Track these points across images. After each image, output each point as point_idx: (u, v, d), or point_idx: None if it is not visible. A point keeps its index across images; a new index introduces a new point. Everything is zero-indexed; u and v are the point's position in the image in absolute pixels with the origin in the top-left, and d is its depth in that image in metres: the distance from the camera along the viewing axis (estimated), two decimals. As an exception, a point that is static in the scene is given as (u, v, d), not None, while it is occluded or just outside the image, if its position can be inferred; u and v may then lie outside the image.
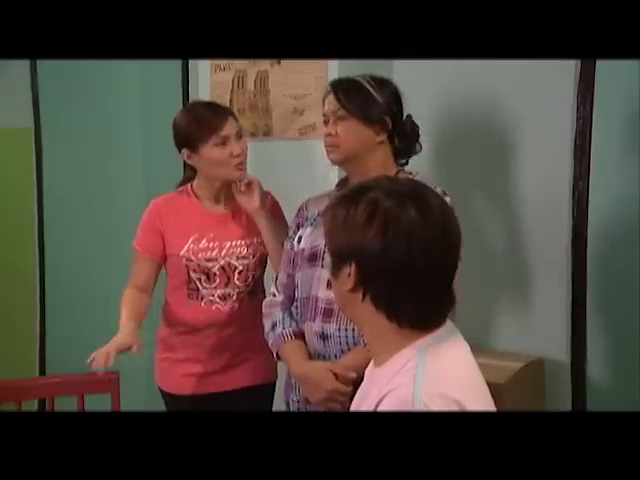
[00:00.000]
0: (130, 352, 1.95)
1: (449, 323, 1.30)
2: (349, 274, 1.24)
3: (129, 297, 2.16)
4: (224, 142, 2.10)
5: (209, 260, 2.15)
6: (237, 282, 2.17)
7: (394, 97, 1.93)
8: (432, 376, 1.18)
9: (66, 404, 2.07)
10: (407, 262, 1.20)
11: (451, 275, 1.27)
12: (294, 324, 1.97)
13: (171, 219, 2.19)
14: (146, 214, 2.22)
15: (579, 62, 2.29)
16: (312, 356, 1.91)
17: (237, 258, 2.16)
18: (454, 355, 1.25)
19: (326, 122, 1.93)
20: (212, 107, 2.17)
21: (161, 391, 2.29)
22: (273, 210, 2.22)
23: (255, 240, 2.18)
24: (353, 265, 1.23)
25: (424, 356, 1.21)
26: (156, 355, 2.29)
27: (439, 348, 1.23)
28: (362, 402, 1.32)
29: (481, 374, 1.28)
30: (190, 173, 2.24)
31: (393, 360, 1.25)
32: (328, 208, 1.32)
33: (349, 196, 1.27)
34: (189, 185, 2.23)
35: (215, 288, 2.17)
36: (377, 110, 1.88)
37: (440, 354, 1.23)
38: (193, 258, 2.15)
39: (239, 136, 2.13)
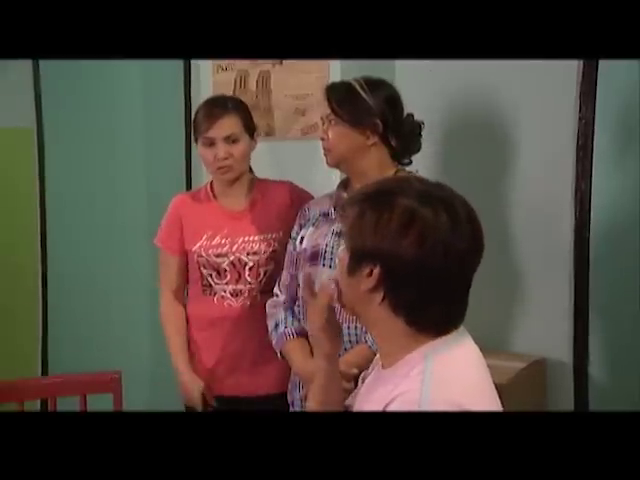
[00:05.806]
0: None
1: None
2: (370, 274, 1.22)
3: (173, 322, 2.24)
4: (209, 144, 2.11)
5: (218, 256, 2.16)
6: (248, 278, 2.16)
7: (388, 99, 1.93)
8: (439, 383, 1.17)
9: (68, 404, 2.07)
10: (441, 271, 1.19)
11: (472, 277, 1.26)
12: (296, 323, 1.98)
13: (189, 216, 2.22)
14: (167, 210, 2.25)
15: (581, 62, 2.29)
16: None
17: (247, 254, 2.16)
18: (462, 360, 1.24)
19: (323, 125, 1.96)
20: (212, 105, 2.16)
21: None
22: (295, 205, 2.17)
23: (270, 236, 2.17)
24: (378, 267, 1.21)
25: (432, 362, 1.20)
26: None
27: (447, 353, 1.22)
28: (367, 401, 1.31)
29: (490, 377, 1.27)
30: None
31: (402, 363, 1.24)
32: (352, 205, 1.27)
33: (380, 198, 1.24)
34: (209, 184, 2.25)
35: (227, 284, 2.17)
36: (367, 114, 1.89)
37: (448, 360, 1.21)
38: (203, 254, 2.17)
39: (231, 140, 2.11)
